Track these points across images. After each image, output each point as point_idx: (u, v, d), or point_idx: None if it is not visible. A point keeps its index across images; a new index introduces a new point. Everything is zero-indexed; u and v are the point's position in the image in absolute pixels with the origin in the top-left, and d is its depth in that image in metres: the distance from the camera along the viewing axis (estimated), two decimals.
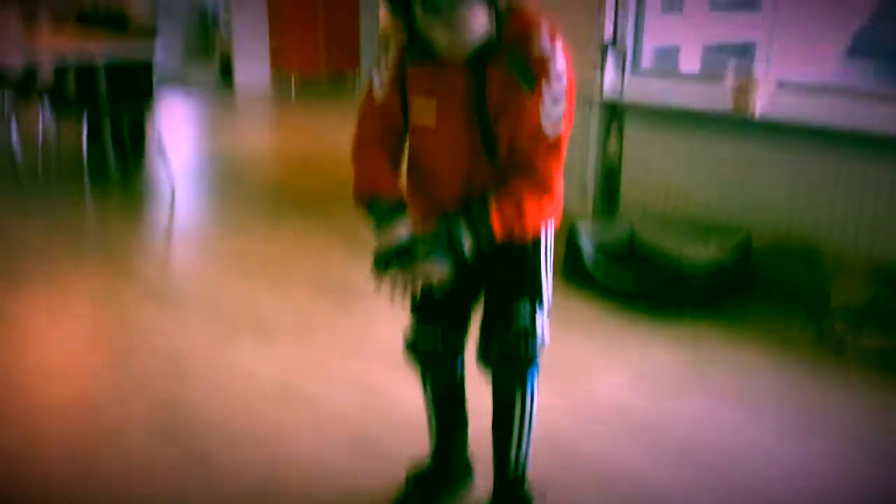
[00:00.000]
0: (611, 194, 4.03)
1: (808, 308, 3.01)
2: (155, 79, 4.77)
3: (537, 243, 1.70)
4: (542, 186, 1.56)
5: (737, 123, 3.37)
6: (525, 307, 1.70)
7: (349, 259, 3.61)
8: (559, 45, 1.53)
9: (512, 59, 1.51)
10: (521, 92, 1.51)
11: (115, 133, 5.17)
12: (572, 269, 3.33)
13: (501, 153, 1.57)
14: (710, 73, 3.94)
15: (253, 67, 9.06)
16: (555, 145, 1.54)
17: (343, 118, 7.18)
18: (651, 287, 3.01)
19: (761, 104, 3.24)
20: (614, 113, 3.95)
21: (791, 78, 3.39)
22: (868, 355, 2.70)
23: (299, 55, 8.88)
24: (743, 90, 3.24)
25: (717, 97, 3.43)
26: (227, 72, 9.35)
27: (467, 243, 1.52)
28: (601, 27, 3.85)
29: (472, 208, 1.52)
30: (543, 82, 1.50)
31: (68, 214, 4.31)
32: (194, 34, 11.55)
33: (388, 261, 1.57)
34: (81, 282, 3.38)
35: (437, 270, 1.53)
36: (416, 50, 1.59)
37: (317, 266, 3.56)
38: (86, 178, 4.59)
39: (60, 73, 5.67)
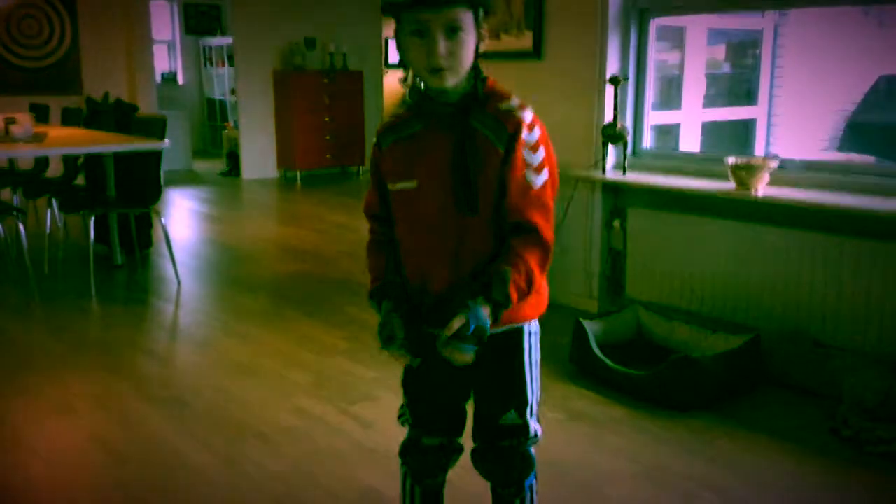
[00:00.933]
0: (616, 280, 4.00)
1: (822, 403, 2.93)
2: (163, 171, 4.83)
3: (521, 345, 1.68)
4: (543, 245, 1.55)
5: (740, 205, 3.37)
6: (514, 417, 1.70)
7: (350, 360, 3.57)
8: (526, 105, 1.58)
9: (484, 115, 1.54)
10: (496, 149, 1.53)
11: (122, 226, 5.23)
12: (579, 363, 3.27)
13: (483, 207, 1.55)
14: (711, 152, 3.97)
15: (259, 161, 9.25)
16: (542, 192, 1.55)
17: (347, 211, 7.34)
18: (660, 381, 2.93)
19: (763, 185, 3.23)
20: (616, 196, 3.96)
21: (793, 157, 3.40)
22: (885, 453, 2.59)
23: (305, 151, 9.11)
24: (744, 170, 3.23)
25: (719, 178, 3.43)
26: (234, 164, 9.53)
27: (489, 325, 1.50)
28: (601, 110, 3.90)
29: (493, 287, 1.49)
30: (519, 135, 1.52)
31: (72, 310, 4.30)
32: (202, 127, 11.83)
33: (390, 339, 1.61)
34: (83, 382, 3.34)
35: (463, 357, 1.49)
36: (397, 125, 1.62)
37: (319, 366, 3.52)
38: (91, 272, 4.60)
39: (70, 166, 5.79)
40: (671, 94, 5.74)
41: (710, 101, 6.45)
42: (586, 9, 3.91)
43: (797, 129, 5.95)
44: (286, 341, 3.80)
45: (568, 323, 3.38)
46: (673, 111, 5.70)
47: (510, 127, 1.52)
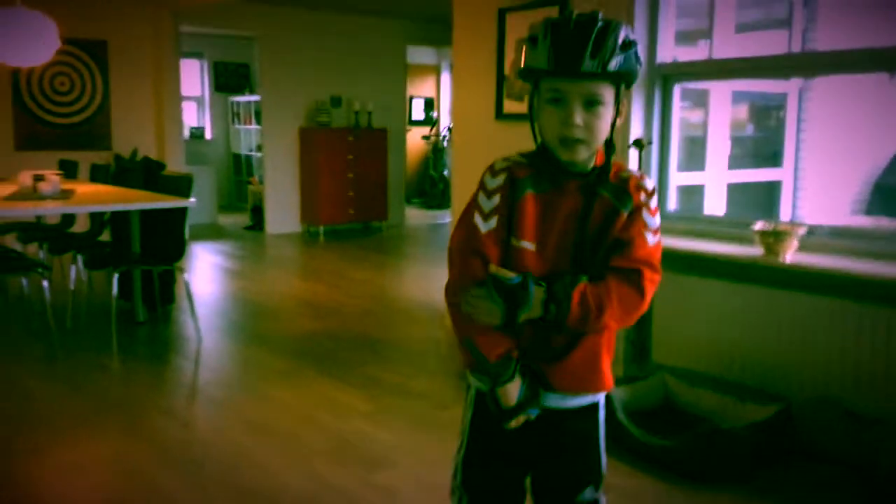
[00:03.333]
0: (642, 344, 3.93)
1: (856, 475, 2.83)
2: (188, 226, 4.87)
3: (597, 419, 1.65)
4: (638, 290, 1.51)
5: (768, 271, 3.31)
6: (591, 492, 1.65)
7: (370, 421, 3.52)
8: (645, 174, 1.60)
9: (609, 184, 1.53)
10: (620, 213, 1.52)
11: (145, 282, 5.25)
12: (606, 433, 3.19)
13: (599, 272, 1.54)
14: (737, 216, 3.92)
15: (283, 216, 9.33)
16: (655, 251, 1.54)
17: (369, 267, 7.35)
18: (688, 452, 2.85)
19: (792, 251, 3.18)
20: None
21: (820, 221, 3.35)
22: None
23: (328, 207, 9.19)
24: (772, 237, 3.18)
25: (745, 242, 3.38)
26: (258, 219, 9.61)
27: (535, 297, 1.47)
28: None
29: (563, 275, 1.50)
30: (642, 200, 1.52)
31: (92, 367, 4.29)
32: (228, 182, 11.98)
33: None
34: (99, 442, 3.31)
35: (487, 310, 1.48)
36: (532, 176, 1.54)
37: (338, 429, 3.46)
38: (113, 328, 4.60)
39: (96, 222, 5.85)
40: (696, 155, 5.73)
41: (735, 163, 6.42)
42: None
43: (824, 192, 5.90)
44: (306, 402, 3.76)
45: None
46: (697, 172, 5.68)
47: (634, 192, 1.52)
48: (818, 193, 5.61)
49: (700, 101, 5.84)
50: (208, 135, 11.94)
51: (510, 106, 4.51)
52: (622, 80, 1.47)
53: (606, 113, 1.46)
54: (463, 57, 4.92)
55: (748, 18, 6.59)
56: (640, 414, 3.20)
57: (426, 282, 6.59)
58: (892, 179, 6.24)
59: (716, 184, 5.72)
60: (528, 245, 1.52)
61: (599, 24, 1.42)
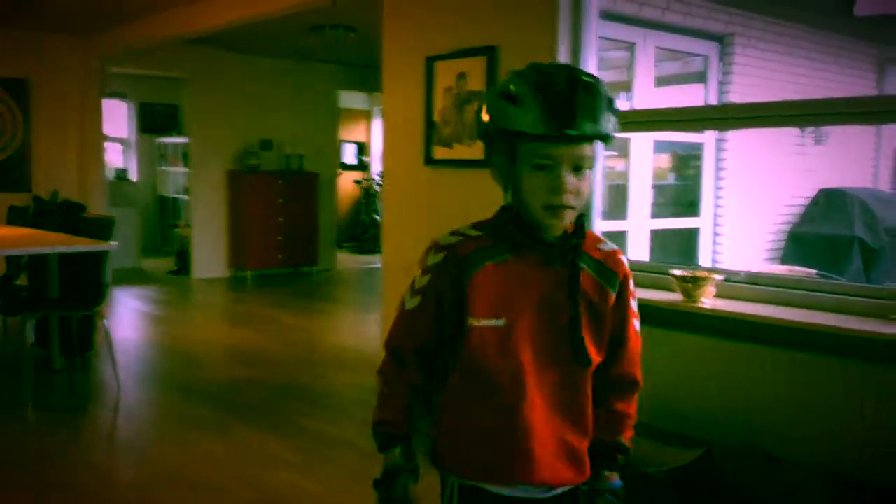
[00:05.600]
0: None
1: None
2: (109, 271, 4.74)
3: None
4: (637, 389, 1.53)
5: (687, 316, 3.40)
6: None
7: (298, 473, 3.45)
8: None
9: (589, 258, 1.43)
10: (608, 293, 1.43)
11: (63, 328, 5.07)
12: None
13: (592, 357, 1.42)
14: (658, 262, 4.03)
15: (210, 260, 9.16)
16: (638, 336, 1.52)
17: (299, 312, 7.26)
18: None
19: (710, 297, 3.28)
20: None
21: (738, 268, 3.47)
22: None
23: (257, 251, 9.09)
24: (690, 283, 3.29)
25: (666, 289, 3.47)
26: (183, 263, 9.41)
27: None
28: None
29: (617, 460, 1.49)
30: (628, 281, 1.46)
31: (5, 419, 4.10)
32: (153, 225, 11.72)
33: None
34: (15, 501, 3.15)
35: None
36: (484, 247, 1.42)
37: (266, 481, 3.38)
38: (28, 378, 4.42)
39: (12, 266, 5.64)
40: (620, 203, 5.89)
41: (658, 211, 6.63)
42: None
43: (741, 240, 6.13)
44: (232, 453, 3.66)
45: None
46: (620, 220, 5.83)
47: (620, 272, 1.45)
48: (736, 241, 5.82)
49: (624, 150, 6.02)
50: (133, 176, 11.70)
51: (440, 152, 4.57)
52: (605, 140, 1.37)
53: (591, 175, 1.37)
54: (392, 103, 4.98)
55: (667, 72, 6.87)
56: None
57: (357, 327, 6.54)
58: (804, 229, 6.53)
59: (638, 231, 5.89)
60: (496, 322, 1.37)
61: (588, 81, 1.33)
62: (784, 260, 6.45)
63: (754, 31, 6.59)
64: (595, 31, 4.04)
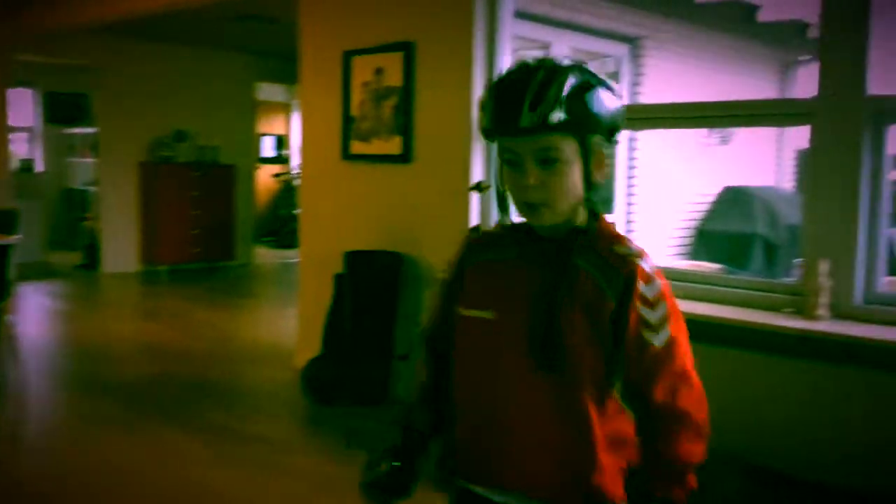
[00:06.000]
0: None
1: None
2: (12, 266, 4.55)
3: None
4: (691, 431, 1.29)
5: None
6: None
7: (209, 469, 3.40)
8: (646, 251, 1.34)
9: (593, 255, 1.30)
10: (606, 299, 1.28)
11: None
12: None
13: (574, 368, 1.28)
14: None
15: (121, 255, 8.88)
16: (667, 355, 1.29)
17: (214, 308, 7.11)
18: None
19: None
20: None
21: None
22: None
23: (170, 245, 8.87)
24: None
25: None
26: (92, 257, 9.10)
27: None
28: (467, 214, 4.01)
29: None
30: (634, 285, 1.27)
31: None
32: (60, 218, 11.29)
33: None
34: None
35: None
36: (489, 244, 1.40)
37: (176, 478, 3.32)
38: None
39: None
40: None
41: None
42: (452, 118, 4.07)
43: (652, 236, 6.31)
44: (142, 451, 3.58)
45: None
46: None
47: (624, 273, 1.28)
48: (646, 237, 6.00)
49: None
50: (39, 167, 11.23)
51: (357, 147, 4.56)
52: (583, 130, 1.27)
53: (569, 169, 1.27)
54: (310, 97, 4.94)
55: None
56: None
57: (274, 323, 6.46)
58: (711, 226, 6.77)
59: None
60: (483, 313, 1.34)
61: (541, 73, 1.25)
62: (692, 256, 6.68)
63: (664, 35, 6.79)
64: (510, 29, 4.11)
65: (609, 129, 1.30)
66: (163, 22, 7.36)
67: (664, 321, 1.28)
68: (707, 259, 5.69)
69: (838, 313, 2.87)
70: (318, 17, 4.82)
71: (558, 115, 1.23)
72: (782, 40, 7.98)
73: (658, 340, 1.28)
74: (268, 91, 11.30)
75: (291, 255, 10.83)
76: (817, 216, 3.00)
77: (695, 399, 1.30)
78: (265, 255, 10.68)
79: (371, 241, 4.39)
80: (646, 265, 1.29)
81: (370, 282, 4.17)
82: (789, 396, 2.86)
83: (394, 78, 4.33)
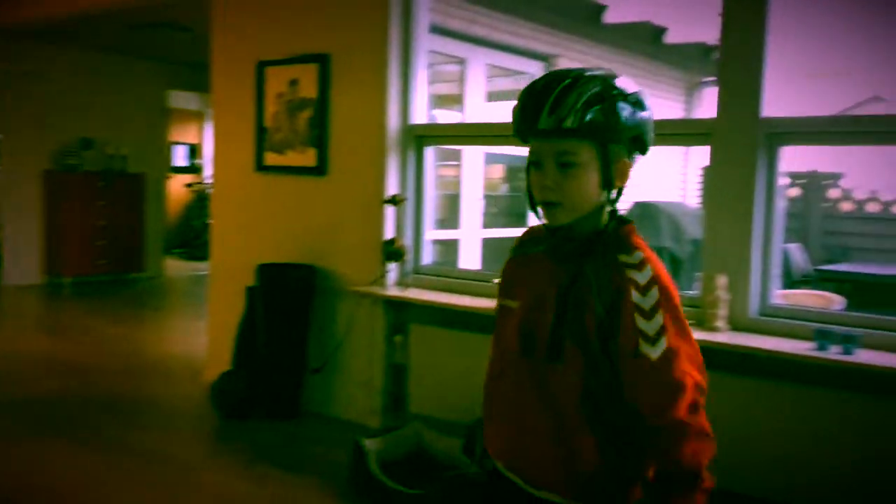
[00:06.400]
0: (399, 396, 4.03)
1: None
2: None
3: None
4: (689, 432, 1.28)
5: None
6: None
7: (114, 489, 3.29)
8: (653, 260, 1.35)
9: (600, 264, 1.35)
10: (592, 302, 1.33)
11: None
12: (357, 483, 3.22)
13: (572, 360, 1.34)
14: (488, 271, 4.18)
15: (23, 267, 8.50)
16: (663, 367, 1.28)
17: (122, 322, 6.88)
18: (436, 500, 2.95)
19: None
20: (398, 312, 4.04)
21: None
22: None
23: (76, 257, 8.57)
24: None
25: (493, 296, 3.61)
26: None
27: None
28: (383, 227, 4.01)
29: None
30: (623, 293, 1.31)
31: None
32: None
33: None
34: None
35: None
36: (531, 239, 1.52)
37: (78, 500, 3.19)
38: None
39: None
40: (454, 213, 6.03)
41: (494, 221, 6.86)
42: (367, 131, 4.07)
43: None
44: (43, 472, 3.42)
45: (351, 441, 3.33)
46: (452, 230, 5.99)
47: (615, 284, 1.32)
48: None
49: (458, 160, 6.18)
50: None
51: (271, 158, 4.51)
52: (602, 137, 1.33)
53: (586, 174, 1.34)
54: (222, 107, 4.86)
55: (500, 88, 7.13)
56: (393, 464, 3.27)
57: (184, 336, 6.30)
58: None
59: (471, 240, 6.06)
60: (510, 303, 1.48)
61: (567, 80, 1.33)
62: None
63: (575, 53, 6.98)
64: (425, 44, 4.14)
65: (632, 140, 1.37)
66: (71, 27, 7.13)
67: (661, 331, 1.29)
68: None
69: (735, 325, 3.01)
70: (231, 27, 4.75)
71: (573, 121, 1.31)
72: (689, 62, 8.32)
73: (655, 353, 1.28)
74: (180, 99, 11.06)
75: (204, 267, 10.58)
76: (716, 232, 3.13)
77: (688, 407, 1.28)
78: (177, 267, 10.41)
79: (284, 254, 4.34)
80: (641, 276, 1.31)
81: (283, 294, 4.12)
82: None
83: (309, 90, 4.31)
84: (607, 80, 1.34)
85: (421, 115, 4.13)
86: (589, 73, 1.34)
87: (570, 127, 1.31)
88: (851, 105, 10.36)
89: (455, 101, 6.19)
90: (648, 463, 1.35)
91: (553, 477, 1.37)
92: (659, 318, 1.29)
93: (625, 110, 1.33)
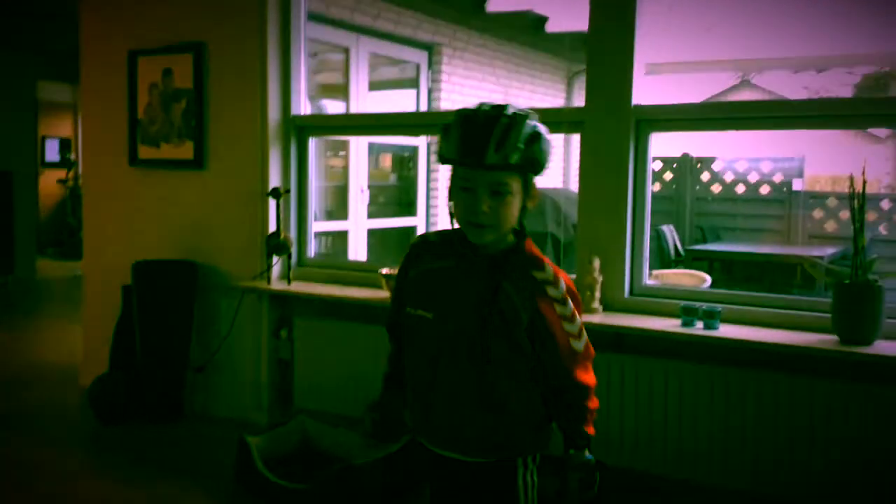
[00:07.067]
0: (284, 391, 3.98)
1: None
2: None
3: (515, 481, 1.72)
4: (590, 397, 1.71)
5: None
6: None
7: None
8: (560, 273, 1.66)
9: (518, 279, 1.62)
10: (518, 310, 1.61)
11: None
12: (244, 481, 3.17)
13: (497, 359, 1.64)
14: (374, 262, 4.17)
15: None
16: (585, 353, 1.69)
17: None
18: (323, 494, 2.93)
19: None
20: (283, 306, 3.99)
21: None
22: None
23: None
24: (393, 279, 3.43)
25: (378, 287, 3.61)
26: None
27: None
28: (266, 220, 3.94)
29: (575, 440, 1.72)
30: (540, 298, 1.62)
31: None
32: None
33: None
34: None
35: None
36: (433, 251, 1.72)
37: None
38: None
39: None
40: (343, 204, 5.98)
41: (381, 210, 6.84)
42: (246, 123, 3.98)
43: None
44: None
45: (236, 440, 3.27)
46: (339, 221, 5.94)
47: (537, 299, 1.61)
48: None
49: (344, 151, 6.13)
50: None
51: (146, 152, 4.35)
52: (529, 170, 1.60)
53: (514, 200, 1.59)
54: (93, 99, 4.65)
55: (386, 77, 7.11)
56: (279, 460, 3.23)
57: (58, 341, 6.00)
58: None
59: (358, 231, 6.04)
60: (424, 313, 1.68)
61: (504, 119, 1.56)
62: None
63: (458, 43, 7.04)
64: (304, 32, 4.09)
65: (543, 167, 1.63)
66: None
67: (581, 329, 1.68)
68: None
69: (610, 306, 3.12)
70: (100, 13, 4.54)
71: (516, 158, 1.56)
72: (569, 51, 8.52)
73: (579, 345, 1.67)
74: (52, 91, 10.50)
75: (79, 267, 10.11)
76: (590, 217, 3.23)
77: (592, 374, 1.71)
78: (50, 268, 9.90)
79: (163, 251, 4.20)
80: (557, 290, 1.63)
81: (162, 292, 3.99)
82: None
83: (184, 80, 4.18)
84: (530, 119, 1.60)
85: (302, 105, 4.07)
86: (520, 113, 1.60)
87: (515, 163, 1.56)
88: (722, 90, 10.89)
89: (340, 90, 6.14)
90: (559, 413, 1.72)
91: (487, 444, 1.68)
92: (577, 320, 1.67)
93: (545, 146, 1.62)
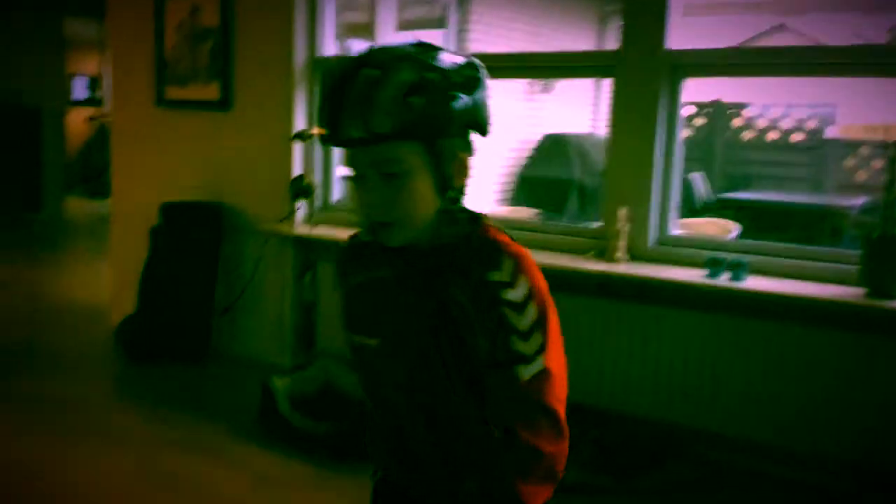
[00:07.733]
0: (308, 335, 4.02)
1: None
2: None
3: None
4: (541, 467, 1.11)
5: None
6: None
7: (17, 437, 3.19)
8: (526, 268, 1.14)
9: (465, 284, 1.14)
10: (472, 323, 1.14)
11: None
12: (266, 422, 3.23)
13: (458, 385, 1.18)
14: None
15: None
16: (536, 388, 1.11)
17: (17, 265, 6.56)
18: (342, 435, 2.97)
19: None
20: (307, 249, 4.00)
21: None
22: None
23: None
24: None
25: None
26: None
27: None
28: (291, 164, 3.93)
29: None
30: (506, 322, 1.11)
31: None
32: None
33: None
34: None
35: None
36: (363, 257, 1.26)
37: None
38: None
39: None
40: None
41: None
42: (274, 62, 3.94)
43: (475, 182, 6.46)
44: None
45: (260, 381, 3.32)
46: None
47: (496, 310, 1.11)
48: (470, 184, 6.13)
49: None
50: None
51: (173, 92, 4.33)
52: (428, 135, 1.10)
53: (416, 182, 1.11)
54: (120, 38, 4.62)
55: (410, 16, 6.98)
56: (301, 402, 3.28)
57: (86, 279, 6.09)
58: (531, 172, 7.02)
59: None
60: (369, 341, 1.24)
61: (363, 74, 1.08)
62: (513, 201, 6.90)
63: None
64: None
65: (465, 127, 1.15)
66: None
67: (539, 352, 1.11)
68: (527, 205, 5.91)
69: (635, 256, 3.09)
70: None
71: (389, 124, 1.07)
72: None
73: (528, 372, 1.10)
74: (80, 28, 10.45)
75: (107, 206, 10.19)
76: (618, 164, 3.18)
77: (553, 438, 1.12)
78: (78, 206, 10.01)
79: (190, 192, 4.21)
80: (515, 293, 1.12)
81: (189, 234, 4.02)
82: (591, 334, 3.06)
83: (211, 18, 4.13)
84: (425, 62, 1.10)
85: (329, 46, 4.01)
86: (399, 57, 1.09)
87: (383, 132, 1.07)
88: (755, 34, 10.58)
89: (366, 30, 6.04)
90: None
91: (439, 489, 1.25)
92: (538, 338, 1.12)
93: (448, 97, 1.10)
